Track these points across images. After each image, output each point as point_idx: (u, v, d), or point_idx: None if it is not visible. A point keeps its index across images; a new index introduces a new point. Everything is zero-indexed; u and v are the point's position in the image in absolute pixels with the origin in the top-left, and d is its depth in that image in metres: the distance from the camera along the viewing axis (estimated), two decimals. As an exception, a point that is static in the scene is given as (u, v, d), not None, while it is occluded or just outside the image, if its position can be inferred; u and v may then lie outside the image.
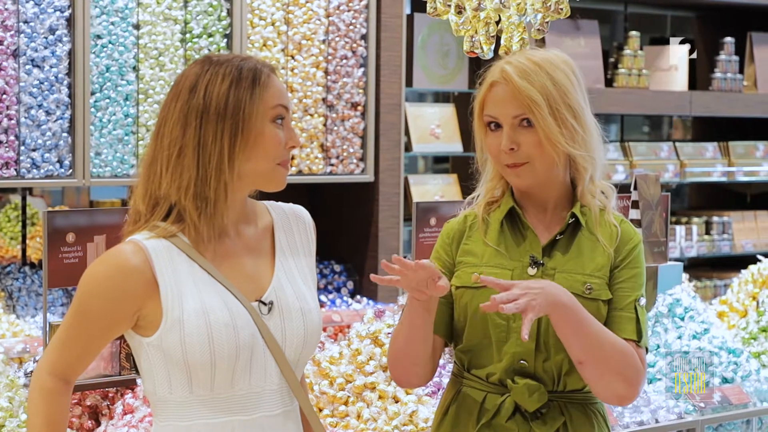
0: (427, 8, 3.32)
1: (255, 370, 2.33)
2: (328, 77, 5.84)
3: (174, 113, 2.32)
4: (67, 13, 5.05)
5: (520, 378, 2.58)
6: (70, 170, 5.11)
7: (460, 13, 3.24)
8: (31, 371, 3.41)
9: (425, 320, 2.57)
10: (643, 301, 2.62)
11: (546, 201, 2.65)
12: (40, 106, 5.02)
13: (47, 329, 3.25)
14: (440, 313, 2.62)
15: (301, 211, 2.53)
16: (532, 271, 2.59)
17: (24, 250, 5.78)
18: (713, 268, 7.97)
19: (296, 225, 2.50)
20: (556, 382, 2.59)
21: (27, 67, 4.98)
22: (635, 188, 4.13)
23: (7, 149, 4.95)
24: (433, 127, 6.47)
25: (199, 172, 2.30)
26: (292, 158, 5.65)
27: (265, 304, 2.37)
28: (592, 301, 2.57)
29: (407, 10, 6.20)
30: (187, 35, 5.37)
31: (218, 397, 2.32)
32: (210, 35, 5.43)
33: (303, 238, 2.50)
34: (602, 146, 2.66)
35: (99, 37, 5.16)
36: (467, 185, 6.50)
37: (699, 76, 7.84)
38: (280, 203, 2.52)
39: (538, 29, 3.24)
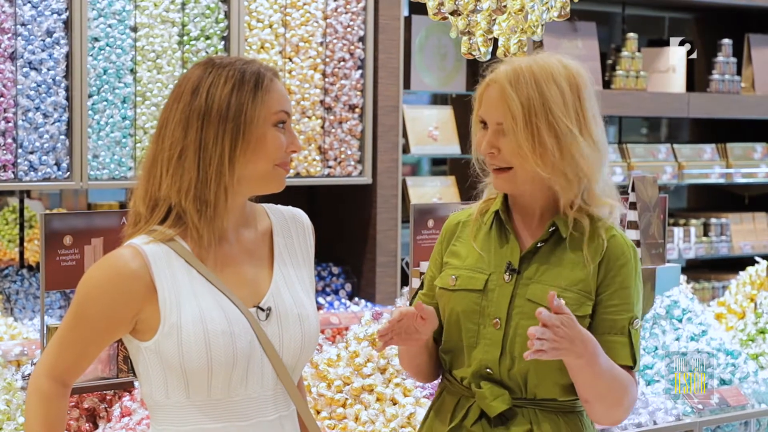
0: (429, 11, 3.33)
1: (252, 376, 2.32)
2: (326, 79, 5.83)
3: (176, 115, 2.31)
4: (64, 16, 5.05)
5: (485, 383, 2.55)
6: (68, 173, 5.11)
7: (460, 14, 3.25)
8: (29, 374, 3.41)
9: (426, 352, 2.63)
10: (637, 323, 2.54)
11: (533, 208, 2.58)
12: (37, 108, 5.01)
13: (45, 332, 3.24)
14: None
15: (299, 215, 2.52)
16: (507, 278, 2.55)
17: (22, 253, 5.77)
18: (711, 269, 7.96)
19: (295, 229, 2.49)
20: (523, 389, 2.55)
21: (24, 69, 4.98)
22: (633, 190, 4.13)
23: (4, 152, 4.95)
24: (431, 129, 6.47)
25: (199, 175, 2.29)
26: (291, 160, 5.65)
27: (263, 310, 2.36)
28: None
29: (405, 12, 6.20)
30: (185, 38, 5.37)
31: (215, 402, 2.31)
32: (207, 38, 5.42)
33: (302, 242, 2.49)
34: (600, 167, 2.52)
35: (96, 39, 5.16)
36: (465, 187, 6.53)
37: (697, 77, 7.83)
38: (278, 206, 2.51)
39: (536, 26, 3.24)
